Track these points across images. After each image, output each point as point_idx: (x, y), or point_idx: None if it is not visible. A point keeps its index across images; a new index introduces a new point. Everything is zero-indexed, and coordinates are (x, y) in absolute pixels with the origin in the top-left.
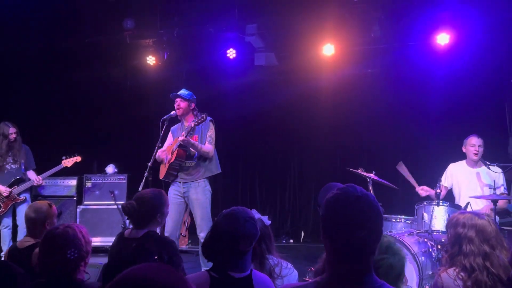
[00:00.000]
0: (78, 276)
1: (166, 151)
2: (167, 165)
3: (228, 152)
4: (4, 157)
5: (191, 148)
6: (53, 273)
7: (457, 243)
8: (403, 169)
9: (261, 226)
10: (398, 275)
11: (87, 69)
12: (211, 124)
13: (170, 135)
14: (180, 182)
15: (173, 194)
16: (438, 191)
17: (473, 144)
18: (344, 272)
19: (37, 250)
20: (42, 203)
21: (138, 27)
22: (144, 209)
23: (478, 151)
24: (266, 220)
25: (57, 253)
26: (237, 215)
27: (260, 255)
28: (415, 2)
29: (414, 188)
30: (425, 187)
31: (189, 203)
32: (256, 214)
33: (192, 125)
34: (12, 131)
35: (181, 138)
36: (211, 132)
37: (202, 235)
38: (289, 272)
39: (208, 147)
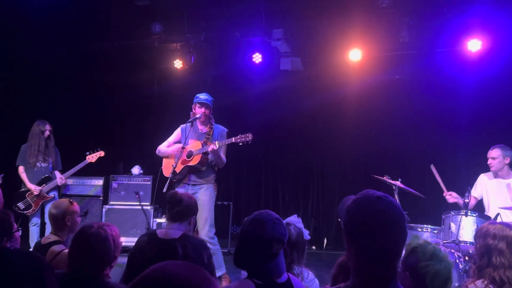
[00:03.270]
0: (103, 277)
1: (178, 148)
2: (180, 165)
3: (251, 158)
4: (36, 154)
5: (214, 157)
6: (80, 269)
7: (486, 254)
8: (434, 171)
9: (299, 235)
10: (445, 282)
11: (116, 72)
12: (226, 136)
13: (179, 132)
14: (188, 184)
15: None
16: (467, 200)
17: (487, 157)
18: (369, 278)
19: (52, 248)
20: (63, 200)
21: (166, 31)
22: (187, 204)
23: (490, 164)
24: (307, 234)
25: (86, 251)
26: (264, 218)
27: (290, 262)
28: (445, 7)
29: (443, 192)
30: (454, 193)
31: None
32: (299, 224)
33: (233, 141)
34: (47, 128)
35: (213, 147)
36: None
37: (203, 236)
38: (310, 284)
39: (224, 158)
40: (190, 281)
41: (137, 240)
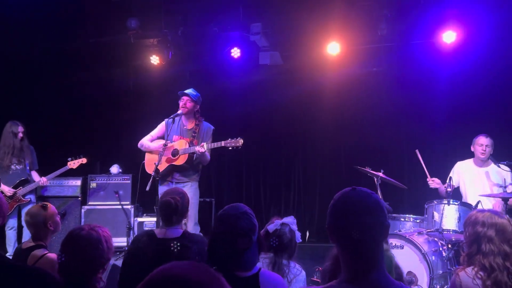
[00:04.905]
0: (95, 282)
1: (160, 145)
2: (164, 163)
3: (232, 153)
4: (10, 157)
5: (200, 156)
6: (72, 273)
7: (475, 242)
8: (420, 157)
9: (292, 239)
10: None
11: (91, 69)
12: (212, 134)
13: (163, 126)
14: (172, 182)
15: None
16: (449, 189)
17: (480, 144)
18: (354, 271)
19: (34, 252)
20: (36, 208)
21: (142, 26)
22: (182, 207)
23: (485, 151)
24: (298, 237)
25: (79, 254)
26: (228, 213)
27: (280, 262)
28: None
29: (425, 180)
30: (436, 179)
31: None
32: (293, 226)
33: (223, 145)
34: (20, 130)
35: (201, 149)
36: (210, 142)
37: None
38: (297, 272)
39: (209, 156)
40: (199, 283)
41: (134, 239)
